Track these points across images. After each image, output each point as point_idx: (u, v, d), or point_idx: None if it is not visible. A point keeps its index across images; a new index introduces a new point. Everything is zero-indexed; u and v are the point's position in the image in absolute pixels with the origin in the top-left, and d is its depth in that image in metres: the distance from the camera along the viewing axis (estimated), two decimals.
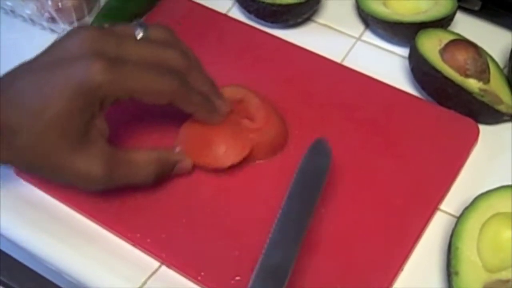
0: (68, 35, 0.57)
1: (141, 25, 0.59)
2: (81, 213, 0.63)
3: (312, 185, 0.58)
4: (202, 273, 0.58)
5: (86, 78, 0.53)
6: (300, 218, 0.56)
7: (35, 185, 0.65)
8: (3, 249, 0.67)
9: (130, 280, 0.59)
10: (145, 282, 0.59)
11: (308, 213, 0.56)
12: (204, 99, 0.61)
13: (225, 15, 0.77)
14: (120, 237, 0.61)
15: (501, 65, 0.70)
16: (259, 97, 0.65)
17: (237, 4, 0.78)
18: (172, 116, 0.63)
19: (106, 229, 0.62)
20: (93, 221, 0.63)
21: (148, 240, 0.60)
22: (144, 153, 0.60)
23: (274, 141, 0.65)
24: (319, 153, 0.60)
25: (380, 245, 0.59)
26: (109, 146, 0.57)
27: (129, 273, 0.60)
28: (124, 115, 0.64)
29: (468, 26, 0.74)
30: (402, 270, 0.59)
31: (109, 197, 0.62)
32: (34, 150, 0.54)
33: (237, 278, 0.58)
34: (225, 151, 0.62)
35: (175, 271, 0.60)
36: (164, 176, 0.62)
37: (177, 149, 0.63)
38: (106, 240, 0.62)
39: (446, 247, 0.58)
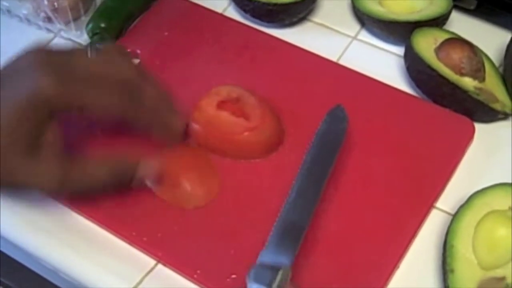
0: (18, 55, 0.57)
1: (94, 48, 0.61)
2: (77, 212, 0.63)
3: (329, 148, 0.61)
4: (198, 271, 0.58)
5: (35, 90, 0.54)
6: (317, 180, 0.59)
7: None
8: (2, 249, 0.67)
9: (126, 278, 0.59)
10: (141, 281, 0.59)
11: (324, 174, 0.59)
12: (156, 115, 0.60)
13: (221, 15, 0.77)
14: (116, 236, 0.61)
15: (497, 63, 0.70)
16: (255, 96, 0.65)
17: (233, 4, 0.78)
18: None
19: (102, 227, 0.62)
20: (89, 219, 0.63)
21: (144, 238, 0.60)
22: (98, 159, 0.59)
23: (270, 139, 0.65)
24: (337, 118, 0.63)
25: (376, 243, 0.59)
26: (62, 152, 0.57)
27: (125, 272, 0.60)
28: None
29: (463, 25, 0.74)
30: (398, 268, 0.59)
31: (105, 196, 0.62)
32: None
33: (233, 276, 0.58)
34: (190, 192, 0.63)
35: (171, 269, 0.60)
36: (124, 183, 0.60)
37: (148, 183, 0.63)
38: (102, 239, 0.62)
39: (441, 245, 0.58)
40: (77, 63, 0.57)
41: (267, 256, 0.55)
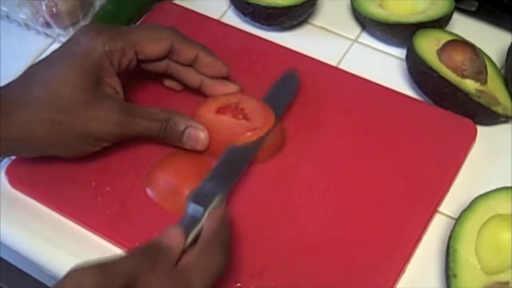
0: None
1: None
2: (77, 223, 0.63)
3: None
4: None
5: (92, 45, 0.61)
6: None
7: (33, 197, 0.64)
8: (2, 255, 0.67)
9: None
10: None
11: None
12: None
13: (217, 21, 0.77)
14: (118, 246, 0.61)
15: (499, 65, 0.69)
16: (255, 98, 0.65)
17: (232, 7, 0.78)
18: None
19: (102, 237, 0.62)
20: (89, 230, 0.62)
21: None
22: (156, 109, 0.63)
23: (273, 141, 0.64)
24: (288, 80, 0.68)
25: (381, 248, 0.59)
26: (121, 102, 0.63)
27: None
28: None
29: (466, 26, 0.74)
30: (403, 272, 0.58)
31: (105, 205, 0.62)
32: (51, 106, 0.60)
33: (238, 284, 0.57)
34: None
35: None
36: (174, 138, 0.63)
37: (148, 191, 0.63)
38: (99, 244, 0.61)
39: (444, 250, 0.58)
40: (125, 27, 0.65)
41: (208, 184, 0.59)
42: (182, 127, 0.63)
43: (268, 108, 0.65)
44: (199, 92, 0.68)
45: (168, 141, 0.64)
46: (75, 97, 0.60)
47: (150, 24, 0.66)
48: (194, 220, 0.56)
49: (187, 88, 0.68)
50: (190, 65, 0.66)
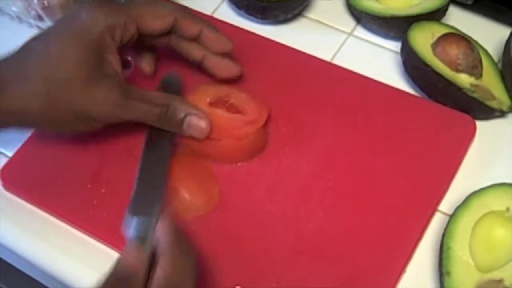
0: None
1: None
2: (74, 227, 0.62)
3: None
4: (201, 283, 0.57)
5: (93, 21, 0.59)
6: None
7: (28, 200, 0.64)
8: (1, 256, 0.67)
9: None
10: None
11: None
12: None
13: (210, 16, 0.76)
14: (116, 250, 0.60)
15: (496, 59, 0.69)
16: (245, 91, 0.65)
17: (227, 0, 0.77)
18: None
19: (99, 240, 0.61)
20: (87, 234, 0.62)
21: None
22: (156, 93, 0.63)
23: (254, 143, 0.64)
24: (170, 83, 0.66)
25: (382, 248, 0.58)
26: (121, 82, 0.61)
27: None
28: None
29: (463, 20, 0.73)
30: (404, 272, 0.58)
31: (101, 207, 0.62)
32: (48, 81, 0.58)
33: (237, 287, 0.57)
34: (189, 201, 0.61)
35: None
36: (173, 125, 0.62)
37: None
38: (96, 246, 0.61)
39: (438, 247, 0.57)
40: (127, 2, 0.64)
41: (141, 194, 0.58)
42: (182, 114, 0.61)
43: (259, 101, 0.64)
44: (187, 83, 0.67)
45: (167, 128, 0.62)
46: (73, 73, 0.58)
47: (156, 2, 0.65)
48: (143, 234, 0.53)
49: (189, 62, 0.67)
50: (194, 39, 0.65)
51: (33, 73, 0.58)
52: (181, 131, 0.62)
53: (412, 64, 0.67)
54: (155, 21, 0.62)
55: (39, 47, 0.60)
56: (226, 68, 0.66)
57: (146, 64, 0.68)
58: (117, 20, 0.60)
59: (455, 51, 0.65)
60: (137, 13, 0.62)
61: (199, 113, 0.62)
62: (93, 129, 0.62)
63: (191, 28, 0.64)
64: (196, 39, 0.65)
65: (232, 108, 0.64)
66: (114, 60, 0.61)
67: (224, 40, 0.65)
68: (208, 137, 0.62)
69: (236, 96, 0.64)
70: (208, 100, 0.64)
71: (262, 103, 0.65)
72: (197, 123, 0.62)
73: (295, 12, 0.74)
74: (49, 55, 0.59)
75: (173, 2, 0.64)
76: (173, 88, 0.65)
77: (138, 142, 0.65)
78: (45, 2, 0.74)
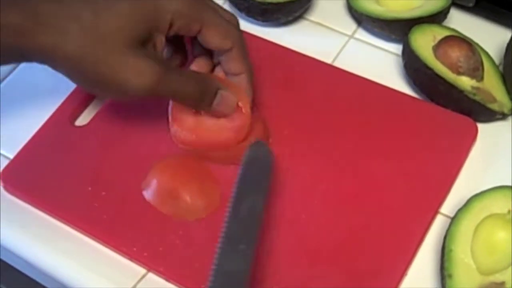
0: None
1: None
2: (75, 228, 0.62)
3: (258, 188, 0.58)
4: (203, 286, 0.56)
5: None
6: (249, 226, 0.55)
7: (29, 202, 0.64)
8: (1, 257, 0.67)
9: (120, 284, 0.59)
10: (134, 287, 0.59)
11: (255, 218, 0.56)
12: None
13: None
14: (116, 252, 0.60)
15: (497, 62, 0.69)
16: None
17: (228, 2, 0.77)
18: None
19: (100, 243, 0.61)
20: (88, 236, 0.62)
21: (145, 254, 0.59)
22: (189, 70, 0.63)
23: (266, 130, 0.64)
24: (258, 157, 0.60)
25: (383, 250, 0.58)
26: (162, 60, 0.60)
27: (119, 278, 0.59)
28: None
29: (464, 22, 0.73)
30: (406, 275, 0.58)
31: (102, 210, 0.61)
32: (94, 48, 0.55)
33: None
34: (190, 204, 0.61)
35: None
36: (207, 98, 0.60)
37: (145, 195, 0.62)
38: (97, 248, 0.61)
39: (440, 249, 0.57)
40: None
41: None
42: (214, 90, 0.61)
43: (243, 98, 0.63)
44: None
45: (198, 105, 0.61)
46: (119, 37, 0.56)
47: (226, 12, 0.63)
48: None
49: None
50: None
51: (77, 15, 0.55)
52: (209, 107, 0.61)
53: (413, 66, 0.67)
54: (214, 37, 0.61)
55: None
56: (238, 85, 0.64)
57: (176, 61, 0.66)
58: (189, 10, 0.59)
59: (456, 53, 0.65)
60: (207, 19, 0.60)
61: (227, 89, 0.61)
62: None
63: (234, 66, 0.63)
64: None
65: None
66: (159, 44, 0.59)
67: (249, 92, 0.64)
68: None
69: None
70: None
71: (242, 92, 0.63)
72: (227, 98, 0.61)
73: (296, 14, 0.74)
74: (101, 8, 0.56)
75: (239, 30, 0.62)
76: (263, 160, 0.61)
77: (139, 144, 0.64)
78: None
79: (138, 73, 0.56)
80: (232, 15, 0.64)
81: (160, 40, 0.59)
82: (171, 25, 0.59)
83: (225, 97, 0.61)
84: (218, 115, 0.62)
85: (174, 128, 0.63)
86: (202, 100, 0.60)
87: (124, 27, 0.56)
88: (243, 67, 0.63)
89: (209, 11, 0.60)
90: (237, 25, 0.63)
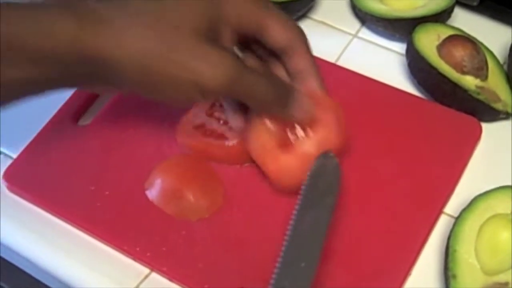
0: None
1: None
2: (77, 228, 0.62)
3: (324, 202, 0.56)
4: (206, 286, 0.57)
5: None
6: (313, 243, 0.54)
7: (31, 201, 0.64)
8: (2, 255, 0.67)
9: (123, 284, 0.59)
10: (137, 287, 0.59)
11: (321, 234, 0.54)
12: None
13: None
14: (119, 251, 0.60)
15: (501, 61, 0.68)
16: None
17: None
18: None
19: (103, 242, 0.61)
20: (91, 235, 0.62)
21: (148, 254, 0.59)
22: (264, 69, 0.59)
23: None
24: (326, 171, 0.57)
25: (387, 250, 0.58)
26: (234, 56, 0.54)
27: (121, 278, 0.59)
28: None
29: (468, 21, 0.73)
30: (410, 275, 0.58)
31: (105, 209, 0.61)
32: (161, 42, 0.51)
33: None
34: (193, 204, 0.61)
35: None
36: (283, 100, 0.56)
37: (148, 195, 0.62)
38: (100, 247, 0.61)
39: (444, 250, 0.57)
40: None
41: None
42: (290, 92, 0.57)
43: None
44: None
45: (273, 109, 0.57)
46: (189, 22, 0.51)
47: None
48: None
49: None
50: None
51: (138, 9, 0.51)
52: (285, 112, 0.57)
53: (417, 66, 0.67)
54: (279, 32, 0.57)
55: None
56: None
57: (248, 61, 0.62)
58: (251, 3, 0.56)
59: (460, 53, 0.65)
60: (270, 14, 0.57)
61: (299, 92, 0.58)
62: (189, 102, 0.58)
63: (299, 61, 0.59)
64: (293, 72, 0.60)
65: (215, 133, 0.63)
66: (229, 38, 0.55)
67: (320, 86, 0.60)
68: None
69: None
70: (213, 104, 0.64)
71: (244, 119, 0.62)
72: (304, 102, 0.58)
73: (300, 13, 0.74)
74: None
75: (298, 25, 0.60)
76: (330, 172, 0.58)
77: (142, 144, 0.64)
78: None
79: (213, 65, 0.51)
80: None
81: (229, 34, 0.55)
82: (235, 18, 0.55)
83: (302, 101, 0.57)
84: (293, 121, 0.58)
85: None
86: (278, 101, 0.56)
87: (191, 17, 0.52)
88: (308, 62, 0.59)
89: (270, 6, 0.57)
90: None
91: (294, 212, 0.55)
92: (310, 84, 0.59)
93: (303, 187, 0.56)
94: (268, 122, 0.58)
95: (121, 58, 0.50)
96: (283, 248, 0.53)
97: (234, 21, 0.55)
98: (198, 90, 0.52)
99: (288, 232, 0.54)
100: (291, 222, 0.55)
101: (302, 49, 0.59)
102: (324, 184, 0.56)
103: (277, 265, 0.53)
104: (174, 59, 0.51)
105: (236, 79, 0.52)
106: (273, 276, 0.52)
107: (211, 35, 0.53)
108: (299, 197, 0.56)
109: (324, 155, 0.58)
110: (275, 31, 0.57)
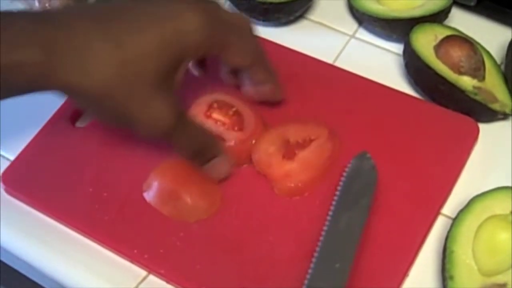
0: None
1: None
2: (75, 230, 0.62)
3: (358, 205, 0.58)
4: None
5: (185, 28, 0.54)
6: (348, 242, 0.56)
7: (29, 204, 0.64)
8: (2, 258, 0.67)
9: (121, 286, 0.59)
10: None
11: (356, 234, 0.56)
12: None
13: None
14: (116, 254, 0.60)
15: (499, 61, 0.68)
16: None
17: (228, 2, 0.77)
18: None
19: (101, 245, 0.61)
20: (88, 237, 0.62)
21: (146, 256, 0.59)
22: (197, 127, 0.60)
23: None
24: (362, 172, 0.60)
25: (385, 251, 0.58)
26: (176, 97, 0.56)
27: (119, 280, 0.59)
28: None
29: (465, 22, 0.73)
30: (407, 275, 0.58)
31: (103, 211, 0.61)
32: (120, 84, 0.53)
33: None
34: (191, 205, 0.61)
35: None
36: (198, 160, 0.60)
37: (146, 196, 0.62)
38: (98, 250, 0.61)
39: (441, 251, 0.57)
40: (222, 11, 0.58)
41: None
42: (209, 156, 0.60)
43: (255, 113, 0.64)
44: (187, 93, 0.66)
45: (191, 161, 0.61)
46: (149, 71, 0.53)
47: (236, 15, 0.62)
48: None
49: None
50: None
51: (99, 44, 0.52)
52: (201, 169, 0.61)
53: (414, 66, 0.67)
54: (235, 57, 0.59)
55: (119, 28, 0.53)
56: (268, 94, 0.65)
57: (195, 66, 0.66)
58: (215, 32, 0.56)
59: (457, 53, 0.65)
60: (229, 40, 0.58)
61: (226, 157, 0.61)
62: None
63: (258, 75, 0.63)
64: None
65: (233, 117, 0.64)
66: (182, 69, 0.56)
67: (278, 93, 0.65)
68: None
69: (237, 105, 0.64)
70: (210, 106, 0.64)
71: (258, 116, 0.64)
72: (219, 167, 0.61)
73: (297, 14, 0.74)
74: (127, 43, 0.53)
75: (259, 39, 0.62)
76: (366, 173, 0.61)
77: (140, 146, 0.64)
78: (47, 4, 0.74)
79: (158, 115, 0.55)
80: (243, 17, 0.63)
81: (178, 77, 0.56)
82: (196, 51, 0.56)
83: (217, 166, 0.61)
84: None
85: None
86: (194, 159, 0.60)
87: (151, 55, 0.53)
88: (266, 77, 0.63)
89: (226, 31, 0.58)
90: (250, 29, 0.61)
91: (329, 212, 0.57)
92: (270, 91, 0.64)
93: (339, 188, 0.58)
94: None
95: (80, 95, 0.53)
96: (317, 249, 0.55)
97: (195, 52, 0.56)
98: (148, 130, 0.55)
99: (323, 233, 0.56)
100: (326, 222, 0.56)
101: (260, 67, 0.62)
102: (359, 185, 0.59)
103: (311, 265, 0.54)
104: (130, 105, 0.54)
105: (165, 135, 0.56)
106: (307, 276, 0.54)
107: (170, 67, 0.54)
108: (334, 197, 0.58)
109: (360, 156, 0.59)
110: (233, 56, 0.59)
